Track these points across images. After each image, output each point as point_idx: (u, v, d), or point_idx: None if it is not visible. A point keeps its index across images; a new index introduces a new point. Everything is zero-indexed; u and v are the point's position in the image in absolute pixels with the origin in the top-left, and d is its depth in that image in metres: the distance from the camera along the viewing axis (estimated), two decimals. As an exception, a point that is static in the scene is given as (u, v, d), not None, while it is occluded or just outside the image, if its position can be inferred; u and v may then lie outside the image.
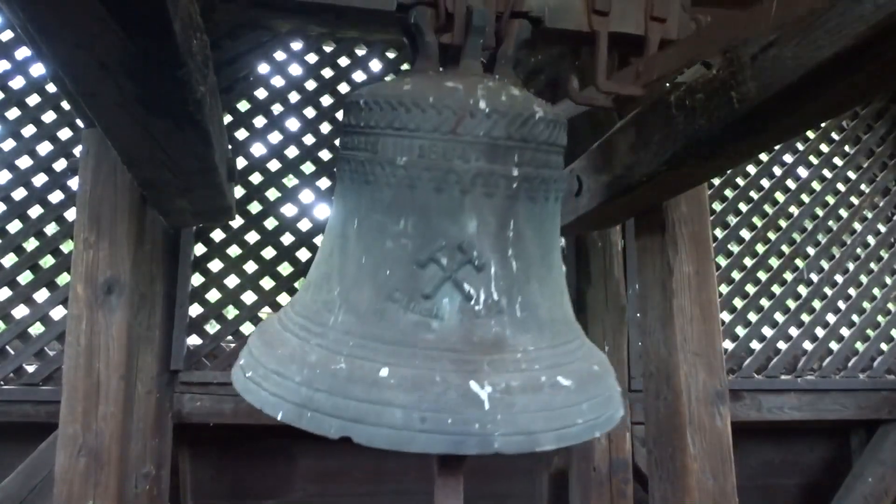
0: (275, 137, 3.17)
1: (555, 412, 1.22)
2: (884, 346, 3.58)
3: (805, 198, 3.63)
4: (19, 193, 2.98)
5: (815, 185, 3.66)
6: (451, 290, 1.26)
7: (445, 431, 1.15)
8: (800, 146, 3.67)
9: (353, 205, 1.36)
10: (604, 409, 1.32)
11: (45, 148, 3.02)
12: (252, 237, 3.12)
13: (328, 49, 3.29)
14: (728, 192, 3.55)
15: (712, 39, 1.24)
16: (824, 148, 3.69)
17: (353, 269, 1.33)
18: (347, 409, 1.18)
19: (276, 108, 3.19)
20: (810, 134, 3.68)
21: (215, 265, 3.09)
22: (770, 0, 1.07)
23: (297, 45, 3.24)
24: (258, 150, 3.15)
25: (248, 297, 3.11)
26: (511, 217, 1.30)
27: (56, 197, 3.00)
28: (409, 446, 1.16)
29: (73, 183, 2.94)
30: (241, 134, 3.14)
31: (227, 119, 3.10)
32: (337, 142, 3.22)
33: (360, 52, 3.33)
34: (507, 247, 1.30)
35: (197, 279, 3.08)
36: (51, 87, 3.00)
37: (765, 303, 3.49)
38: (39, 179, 3.00)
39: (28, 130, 3.02)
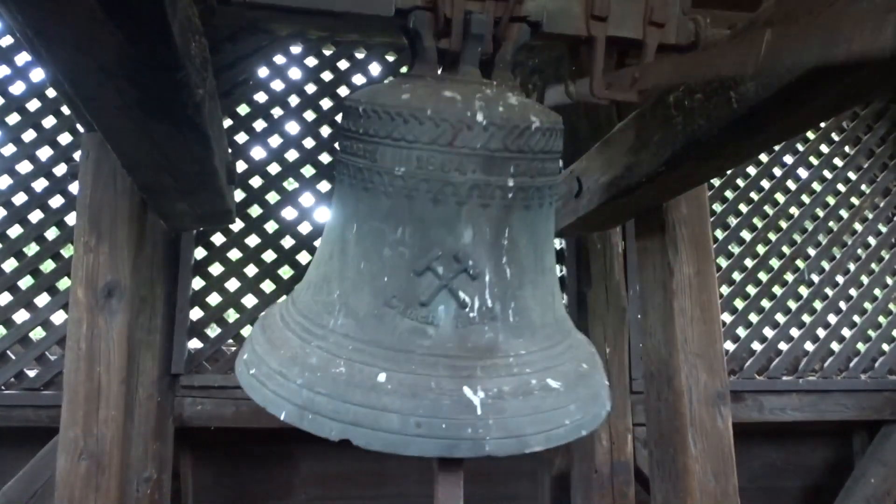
0: (275, 141, 3.18)
1: (544, 415, 1.28)
2: (885, 347, 3.57)
3: (805, 198, 3.63)
4: (20, 198, 2.98)
5: (816, 186, 3.65)
6: (447, 297, 1.30)
7: (439, 436, 1.21)
8: (800, 147, 3.67)
9: (352, 210, 1.38)
10: (591, 407, 1.37)
11: (45, 153, 3.03)
12: (252, 241, 3.12)
13: (328, 52, 3.30)
14: (728, 193, 3.55)
15: (709, 65, 1.24)
16: (824, 149, 3.69)
17: (353, 273, 1.36)
18: (347, 413, 1.23)
19: (276, 112, 3.19)
20: (810, 135, 3.68)
21: (216, 269, 3.09)
22: (760, 41, 1.07)
23: (296, 49, 3.24)
24: (258, 153, 3.15)
25: (249, 301, 3.11)
26: (506, 226, 1.34)
27: (56, 202, 3.00)
28: (405, 450, 1.21)
29: (74, 188, 2.94)
30: (241, 137, 3.15)
31: (227, 123, 3.10)
32: (336, 144, 3.23)
33: (360, 55, 3.33)
34: (502, 255, 1.34)
35: (197, 283, 3.08)
36: (51, 92, 3.01)
37: (766, 304, 3.49)
38: (40, 184, 3.01)
39: (28, 135, 3.02)
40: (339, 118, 3.22)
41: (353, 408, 1.22)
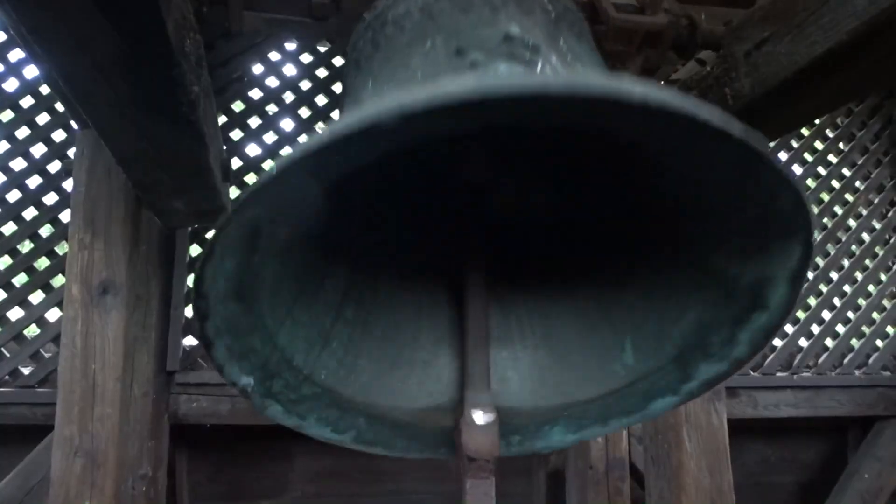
0: (270, 138, 3.17)
1: None
2: (879, 343, 3.59)
3: (800, 195, 3.63)
4: (14, 195, 2.97)
5: (810, 183, 3.67)
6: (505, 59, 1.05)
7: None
8: (794, 143, 3.68)
9: (363, 78, 1.18)
10: None
11: (39, 150, 3.02)
12: (248, 238, 3.11)
13: (322, 49, 3.29)
14: (723, 190, 3.55)
15: None
16: (818, 145, 3.70)
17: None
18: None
19: (271, 109, 3.19)
20: (804, 131, 3.69)
21: (211, 266, 3.08)
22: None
23: (291, 46, 3.24)
24: (253, 150, 3.14)
25: (244, 298, 3.10)
26: (559, 34, 1.13)
27: (51, 199, 2.99)
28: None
29: (68, 185, 2.94)
30: (236, 134, 3.14)
31: (222, 120, 3.09)
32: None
33: (355, 51, 3.32)
34: (560, 44, 1.11)
35: (192, 280, 3.07)
36: (45, 89, 2.99)
37: (760, 300, 3.49)
38: (34, 181, 2.99)
39: (22, 132, 3.01)
40: (334, 115, 3.23)
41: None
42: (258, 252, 0.93)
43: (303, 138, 3.20)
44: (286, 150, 3.18)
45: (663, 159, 0.95)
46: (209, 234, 3.07)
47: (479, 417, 1.14)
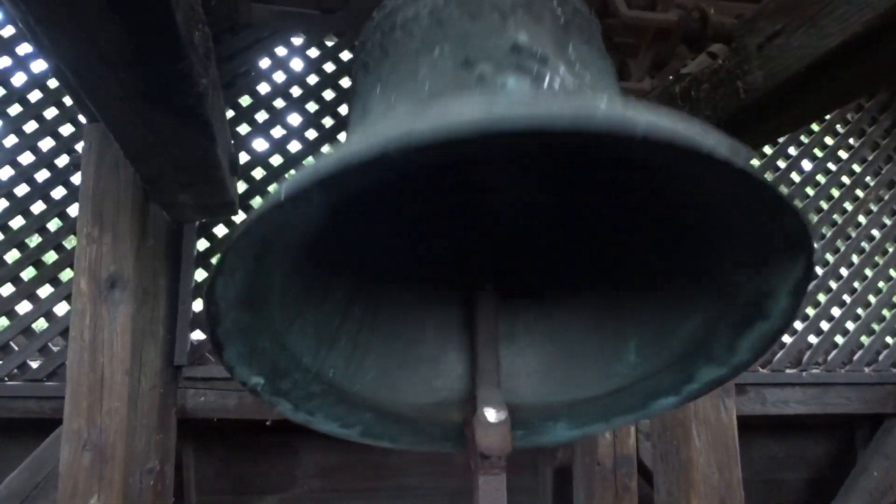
0: (277, 132, 3.17)
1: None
2: (889, 340, 3.56)
3: (809, 191, 3.61)
4: (22, 189, 2.98)
5: (820, 178, 3.64)
6: (515, 74, 1.06)
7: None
8: (804, 139, 3.65)
9: (372, 82, 1.19)
10: None
11: (47, 144, 3.02)
12: (255, 232, 3.11)
13: (329, 43, 3.29)
14: (732, 186, 3.53)
15: None
16: (829, 141, 3.68)
17: (383, 108, 1.13)
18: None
19: (279, 103, 3.18)
20: (815, 126, 3.67)
21: (218, 261, 3.09)
22: None
23: (298, 40, 3.23)
24: (260, 144, 3.14)
25: (251, 293, 3.10)
26: (568, 40, 1.13)
27: (58, 193, 3.00)
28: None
29: (76, 179, 2.94)
30: (244, 129, 3.14)
31: (230, 114, 3.09)
32: (341, 135, 3.23)
33: (363, 46, 3.31)
34: (569, 52, 1.12)
35: (200, 274, 3.08)
36: (52, 83, 3.00)
37: (769, 296, 3.47)
38: (42, 175, 3.00)
39: (30, 126, 3.02)
40: (342, 109, 3.22)
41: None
42: (267, 260, 0.95)
43: (310, 133, 3.20)
44: (293, 152, 3.18)
45: (668, 174, 0.96)
46: (217, 229, 3.07)
47: (492, 415, 1.16)
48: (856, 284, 3.58)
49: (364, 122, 1.16)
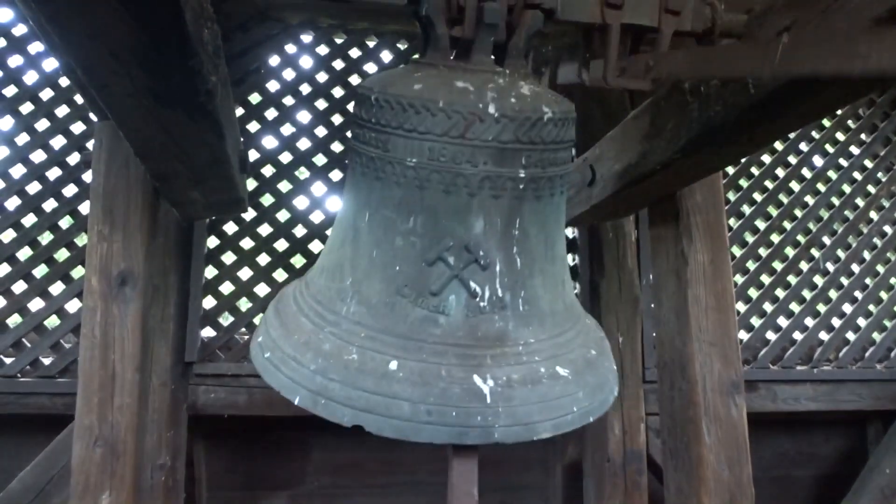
0: (286, 129, 3.18)
1: (552, 402, 1.31)
2: (901, 337, 3.54)
3: (821, 187, 3.59)
4: (34, 187, 3.00)
5: (831, 174, 3.62)
6: (458, 287, 1.32)
7: (450, 423, 1.24)
8: (815, 135, 3.63)
9: (364, 198, 1.39)
10: (598, 394, 1.40)
11: (58, 142, 3.04)
12: (265, 230, 3.12)
13: (339, 41, 3.29)
14: (743, 182, 3.51)
15: (723, 62, 1.23)
16: (840, 136, 3.65)
17: (365, 262, 1.37)
18: (359, 400, 1.25)
19: (288, 101, 3.19)
20: (826, 122, 3.64)
21: (228, 257, 3.10)
22: (776, 48, 1.05)
23: (307, 38, 3.24)
24: (270, 142, 3.15)
25: (262, 290, 3.12)
26: (517, 216, 1.34)
27: (70, 190, 3.02)
28: (416, 437, 1.24)
29: (87, 176, 2.95)
30: (253, 126, 3.15)
31: (239, 111, 3.10)
32: (349, 133, 3.23)
33: (371, 43, 3.32)
34: (513, 245, 1.35)
35: (210, 272, 3.09)
36: (64, 81, 3.02)
37: (780, 293, 3.46)
38: (53, 173, 3.02)
39: (42, 124, 3.04)
40: (350, 107, 3.22)
41: (365, 395, 1.25)
42: None
43: (319, 130, 3.20)
44: (302, 149, 3.18)
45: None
46: (226, 227, 3.09)
47: None
48: (867, 281, 3.56)
49: (355, 251, 1.39)
